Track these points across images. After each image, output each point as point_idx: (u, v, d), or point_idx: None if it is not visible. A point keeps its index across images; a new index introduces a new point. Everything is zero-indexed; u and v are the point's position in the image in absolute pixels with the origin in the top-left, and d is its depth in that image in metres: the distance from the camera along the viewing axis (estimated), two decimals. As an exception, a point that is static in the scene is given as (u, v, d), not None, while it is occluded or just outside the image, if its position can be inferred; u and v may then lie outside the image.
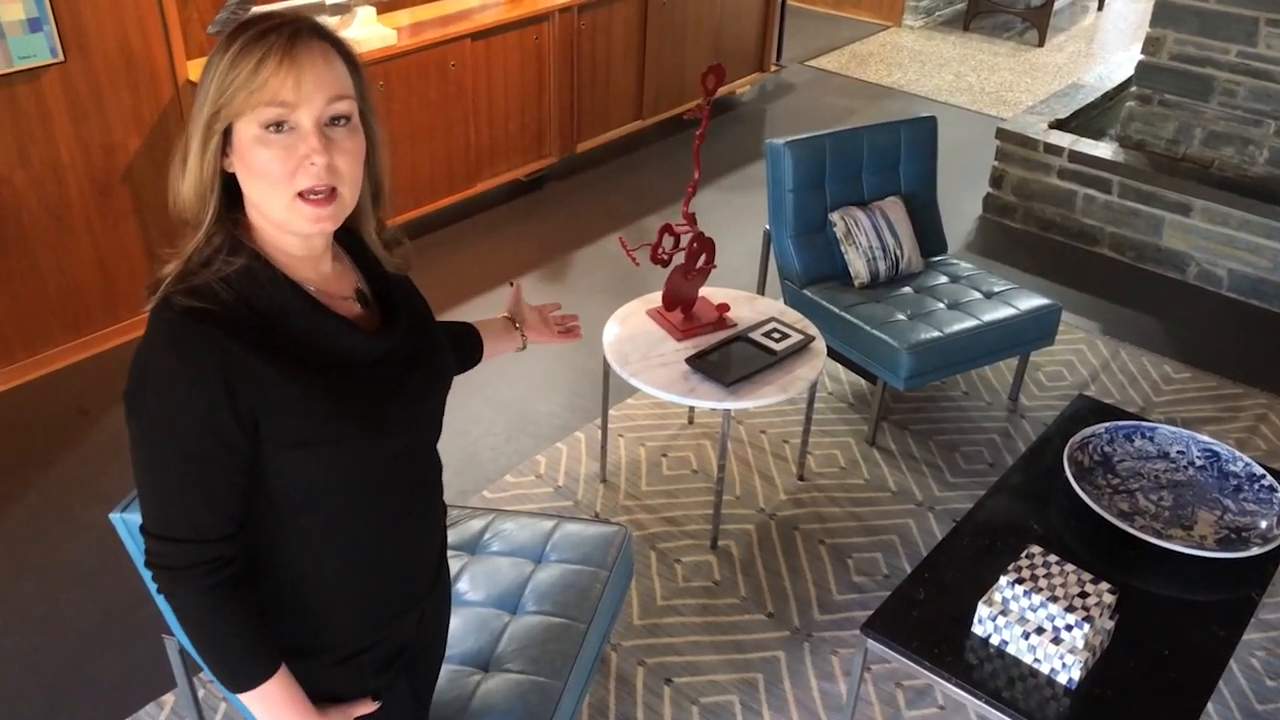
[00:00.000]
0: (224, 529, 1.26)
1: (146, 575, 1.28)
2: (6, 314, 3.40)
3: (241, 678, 1.30)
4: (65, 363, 3.57)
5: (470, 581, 2.16)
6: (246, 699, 1.32)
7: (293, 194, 1.20)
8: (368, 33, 3.96)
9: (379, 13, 4.16)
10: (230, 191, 1.25)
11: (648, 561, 2.89)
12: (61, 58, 3.23)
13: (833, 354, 3.36)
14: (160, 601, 1.70)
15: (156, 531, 1.25)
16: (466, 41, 4.28)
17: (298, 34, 1.18)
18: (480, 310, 4.00)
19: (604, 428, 3.17)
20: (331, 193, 1.21)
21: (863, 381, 3.64)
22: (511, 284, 1.93)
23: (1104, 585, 2.02)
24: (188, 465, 1.21)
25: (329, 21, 3.85)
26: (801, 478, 3.22)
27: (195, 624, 1.28)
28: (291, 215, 1.21)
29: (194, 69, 3.58)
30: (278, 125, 1.18)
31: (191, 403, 1.18)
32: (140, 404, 1.21)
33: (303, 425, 1.24)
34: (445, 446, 1.48)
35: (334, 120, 1.21)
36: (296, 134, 1.18)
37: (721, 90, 5.87)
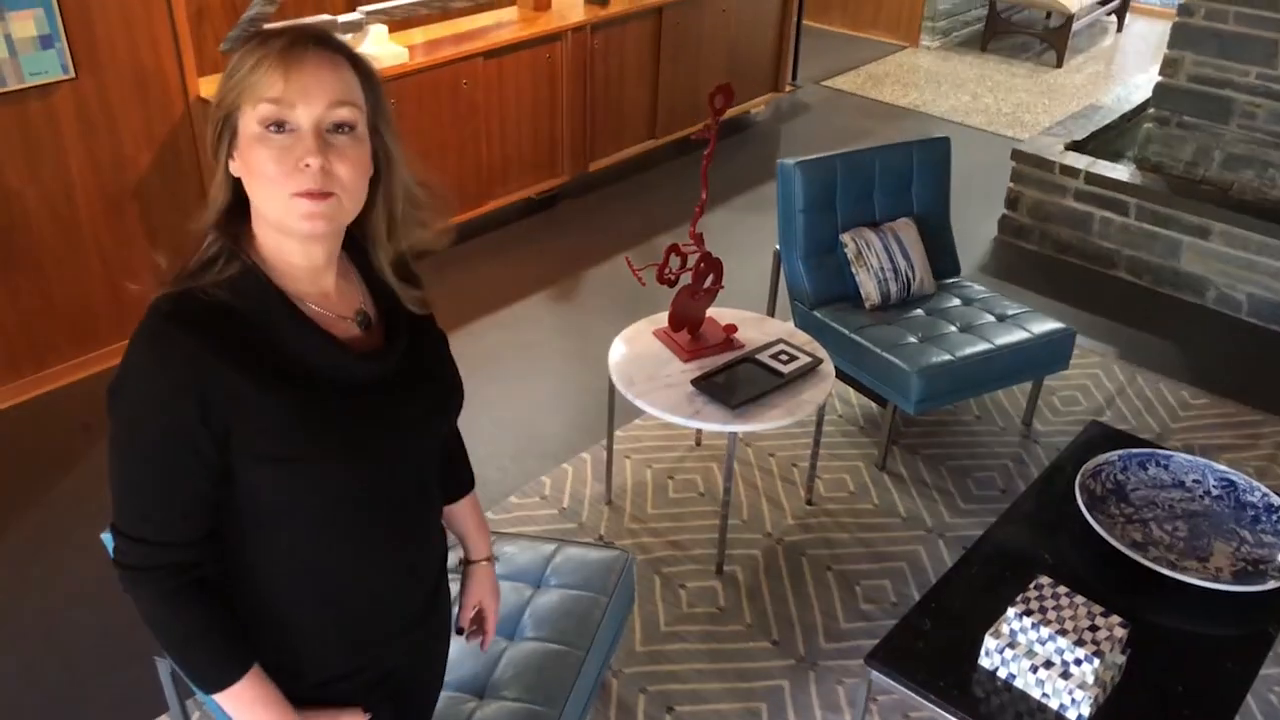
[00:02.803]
0: (187, 535, 1.26)
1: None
2: (14, 328, 3.40)
3: (207, 680, 1.30)
4: (72, 378, 3.57)
5: (468, 606, 2.12)
6: (219, 699, 1.31)
7: (289, 194, 1.19)
8: (380, 51, 3.96)
9: (391, 31, 4.17)
10: (242, 202, 1.25)
11: (652, 586, 2.85)
12: (73, 74, 3.24)
13: (843, 376, 3.32)
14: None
15: (121, 528, 1.26)
16: (479, 60, 4.28)
17: (299, 39, 1.20)
18: (490, 328, 3.99)
19: (609, 449, 3.13)
20: (327, 194, 1.20)
21: (873, 405, 3.60)
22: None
23: (1115, 619, 1.97)
24: (154, 469, 1.22)
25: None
26: (810, 502, 3.18)
27: (154, 624, 1.29)
28: (287, 214, 1.20)
29: (206, 86, 3.59)
30: (279, 125, 1.18)
31: (163, 409, 1.19)
32: (117, 402, 1.22)
33: (276, 441, 1.23)
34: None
35: (337, 127, 1.20)
36: (295, 136, 1.18)
37: (736, 110, 5.86)
